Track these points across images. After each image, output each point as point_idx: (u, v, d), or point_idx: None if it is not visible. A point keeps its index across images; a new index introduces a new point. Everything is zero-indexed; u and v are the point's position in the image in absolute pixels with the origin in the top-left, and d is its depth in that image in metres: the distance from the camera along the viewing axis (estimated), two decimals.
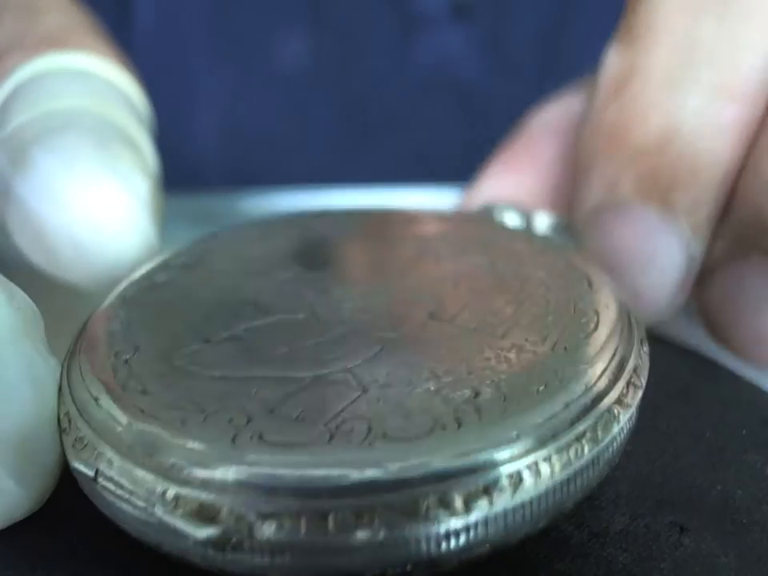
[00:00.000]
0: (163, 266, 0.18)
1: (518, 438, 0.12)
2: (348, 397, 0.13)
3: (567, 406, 0.13)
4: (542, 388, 0.13)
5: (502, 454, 0.12)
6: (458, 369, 0.14)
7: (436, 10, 0.38)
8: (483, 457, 0.12)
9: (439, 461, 0.12)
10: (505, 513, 0.12)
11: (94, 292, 0.18)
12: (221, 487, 0.12)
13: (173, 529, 0.12)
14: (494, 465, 0.12)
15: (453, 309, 0.16)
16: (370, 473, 0.12)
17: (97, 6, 0.23)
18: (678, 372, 0.16)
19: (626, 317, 0.15)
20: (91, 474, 0.13)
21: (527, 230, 0.19)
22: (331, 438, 0.12)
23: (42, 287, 0.16)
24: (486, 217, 0.21)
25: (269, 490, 0.12)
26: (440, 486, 0.12)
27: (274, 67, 0.39)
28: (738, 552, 0.14)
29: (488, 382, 0.13)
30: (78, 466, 0.13)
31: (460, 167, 0.40)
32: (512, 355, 0.14)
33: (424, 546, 0.12)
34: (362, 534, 0.11)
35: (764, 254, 0.17)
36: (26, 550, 0.14)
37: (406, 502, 0.12)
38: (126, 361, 0.14)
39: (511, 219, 0.21)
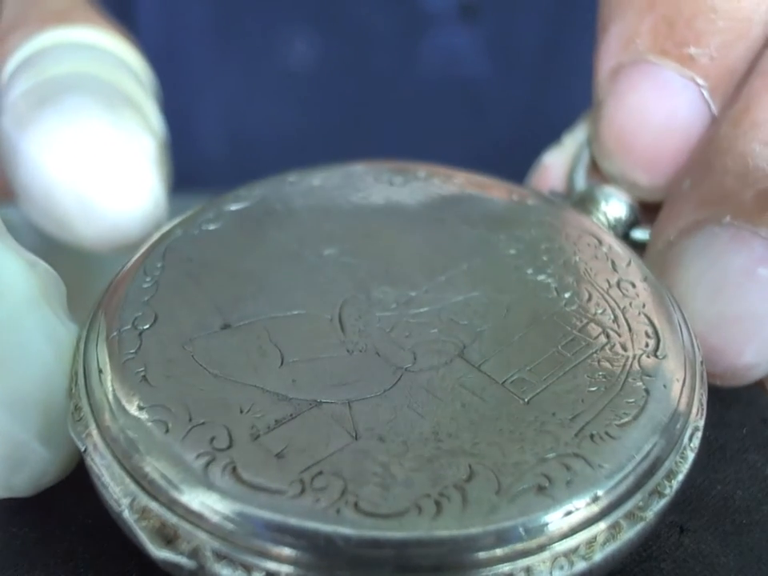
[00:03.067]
0: (217, 212, 0.17)
1: (495, 545, 0.11)
2: (336, 443, 0.12)
3: (567, 514, 0.12)
4: (546, 485, 0.12)
5: (464, 561, 0.11)
6: (462, 435, 0.12)
7: (443, 9, 0.38)
8: (441, 555, 0.11)
9: (396, 557, 0.11)
10: None
11: (100, 253, 0.18)
12: (184, 513, 0.12)
13: (137, 534, 0.12)
14: (447, 569, 0.11)
15: (487, 350, 0.14)
16: (325, 548, 0.11)
17: (100, 5, 0.23)
18: None
19: (686, 398, 0.14)
20: (81, 448, 0.13)
21: (612, 241, 0.17)
22: (303, 491, 0.12)
23: (65, 262, 0.16)
24: (576, 208, 0.19)
25: (228, 531, 0.11)
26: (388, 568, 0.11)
27: (280, 67, 0.39)
28: (738, 551, 0.15)
29: (489, 463, 0.12)
30: (72, 434, 0.13)
31: (466, 165, 0.40)
32: (530, 432, 0.13)
33: None
34: None
35: (740, 215, 0.16)
36: (27, 550, 0.14)
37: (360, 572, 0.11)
38: (141, 333, 0.14)
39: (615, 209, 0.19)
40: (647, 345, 0.14)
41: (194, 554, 0.11)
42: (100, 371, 0.13)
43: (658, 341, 0.14)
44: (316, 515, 0.11)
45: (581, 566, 0.12)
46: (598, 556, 0.12)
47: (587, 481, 0.12)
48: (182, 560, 0.12)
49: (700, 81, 0.17)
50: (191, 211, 0.17)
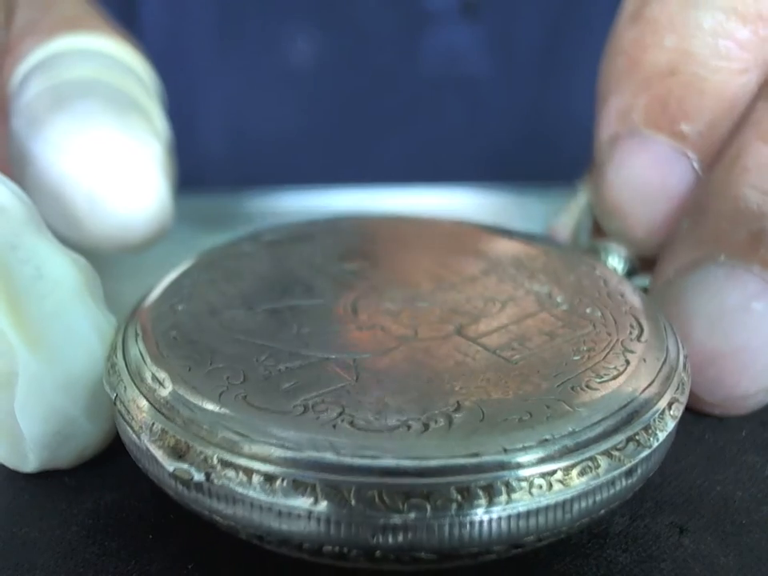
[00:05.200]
0: (254, 238, 0.19)
1: (473, 456, 0.12)
2: (339, 382, 0.14)
3: (545, 441, 0.13)
4: (526, 418, 0.13)
5: (446, 469, 0.12)
6: (453, 382, 0.14)
7: (444, 7, 0.38)
8: (426, 465, 0.12)
9: (385, 462, 0.12)
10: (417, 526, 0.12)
11: (105, 252, 0.19)
12: (196, 431, 0.13)
13: (153, 457, 0.13)
14: (430, 475, 0.12)
15: (484, 329, 0.16)
16: (319, 454, 0.12)
17: (102, 5, 0.24)
18: None
19: (666, 372, 0.15)
20: (112, 396, 0.15)
21: (607, 270, 0.18)
22: (304, 411, 0.13)
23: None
24: (576, 249, 0.21)
25: (233, 443, 0.13)
26: (373, 481, 0.12)
27: (281, 65, 0.39)
28: (737, 552, 0.14)
29: (475, 400, 0.13)
30: (107, 387, 0.15)
31: (467, 165, 0.40)
32: (514, 382, 0.14)
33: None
34: (303, 503, 0.12)
35: (734, 253, 0.17)
36: (27, 550, 0.14)
37: (349, 484, 0.12)
38: (175, 311, 0.16)
39: (614, 261, 0.20)
40: (631, 333, 0.15)
41: (202, 463, 0.13)
42: (137, 335, 0.15)
43: (642, 330, 0.15)
44: (314, 427, 0.13)
45: (558, 489, 0.13)
46: (575, 484, 0.13)
47: (565, 417, 0.13)
48: (191, 469, 0.13)
49: (690, 154, 0.19)
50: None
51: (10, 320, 0.15)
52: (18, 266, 0.15)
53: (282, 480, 0.12)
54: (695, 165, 0.19)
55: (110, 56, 0.21)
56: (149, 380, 0.14)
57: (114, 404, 0.14)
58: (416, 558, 0.12)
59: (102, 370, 0.15)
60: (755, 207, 0.17)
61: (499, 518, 0.12)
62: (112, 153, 0.18)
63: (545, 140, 0.40)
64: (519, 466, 0.12)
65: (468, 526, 0.12)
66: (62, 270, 0.15)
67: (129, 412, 0.14)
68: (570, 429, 0.13)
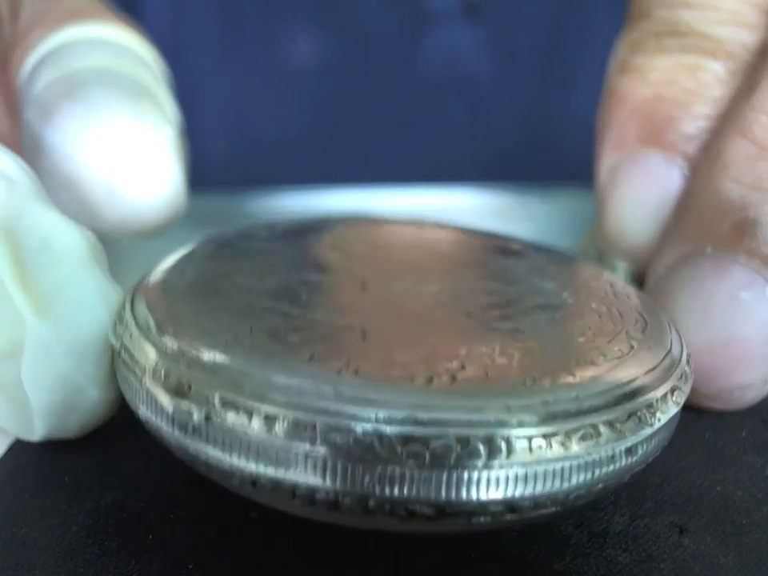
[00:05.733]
0: (270, 227, 0.19)
1: (476, 410, 0.12)
2: (347, 338, 0.14)
3: (546, 403, 0.13)
4: (530, 383, 0.13)
5: (447, 420, 0.12)
6: (458, 347, 0.14)
7: (445, 8, 0.38)
8: (427, 414, 0.12)
9: (386, 407, 0.12)
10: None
11: (120, 238, 0.19)
12: (199, 371, 0.13)
13: (154, 400, 0.13)
14: (431, 424, 0.12)
15: (492, 312, 0.16)
16: (322, 396, 0.12)
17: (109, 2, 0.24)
18: None
19: (669, 361, 0.15)
20: (117, 346, 0.15)
21: (613, 277, 0.19)
22: (311, 358, 0.13)
23: None
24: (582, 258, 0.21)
25: (235, 384, 0.13)
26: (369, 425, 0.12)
27: (281, 66, 0.39)
28: (737, 552, 0.14)
29: (480, 363, 0.13)
30: (111, 338, 0.15)
31: (468, 165, 0.40)
32: (518, 354, 0.14)
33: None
34: (301, 445, 0.12)
35: (720, 245, 0.17)
36: (27, 550, 0.14)
37: (349, 428, 0.12)
38: (184, 272, 0.16)
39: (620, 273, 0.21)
40: (636, 325, 0.15)
41: (203, 402, 0.13)
42: (147, 289, 0.15)
43: (646, 324, 0.16)
44: (317, 373, 0.13)
45: (557, 452, 0.13)
46: (576, 450, 0.13)
47: (569, 385, 0.13)
48: (192, 407, 0.13)
49: (680, 161, 0.20)
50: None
51: (18, 288, 0.15)
52: (25, 236, 0.15)
53: (283, 420, 0.12)
54: (685, 171, 0.20)
55: (119, 45, 0.21)
56: (155, 329, 0.14)
57: (118, 354, 0.15)
58: (410, 511, 0.12)
59: (108, 340, 0.15)
60: (738, 199, 0.18)
61: (497, 476, 0.12)
62: (128, 141, 0.19)
63: (546, 140, 0.40)
64: (521, 423, 0.12)
65: (465, 480, 0.12)
66: (69, 241, 0.16)
67: (133, 357, 0.14)
68: (574, 395, 0.13)
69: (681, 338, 0.16)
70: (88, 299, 0.15)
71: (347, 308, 0.16)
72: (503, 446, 0.12)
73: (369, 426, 0.12)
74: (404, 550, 0.14)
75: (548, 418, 0.13)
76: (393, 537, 0.14)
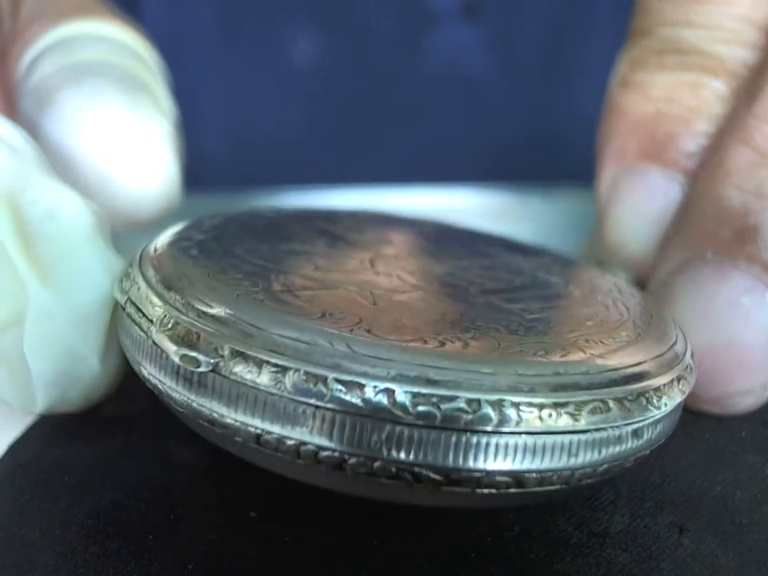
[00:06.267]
0: (278, 210, 0.19)
1: (488, 374, 0.12)
2: (358, 302, 0.14)
3: (557, 374, 0.13)
4: (541, 354, 0.13)
5: (459, 382, 0.12)
6: (471, 317, 0.14)
7: (446, 8, 0.38)
8: (439, 376, 0.12)
9: (399, 366, 0.12)
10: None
11: (118, 228, 0.19)
12: (209, 321, 0.13)
13: (159, 351, 0.13)
14: (443, 386, 0.12)
15: (500, 294, 0.16)
16: (334, 350, 0.12)
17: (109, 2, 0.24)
18: None
19: (672, 354, 0.15)
20: (122, 301, 0.14)
21: (616, 278, 0.19)
22: (322, 316, 0.13)
23: None
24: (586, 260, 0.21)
25: (246, 334, 0.13)
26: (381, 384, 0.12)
27: (283, 65, 0.39)
28: (737, 552, 0.14)
29: (492, 334, 0.14)
30: (117, 294, 0.15)
31: (469, 165, 0.40)
32: (527, 329, 0.14)
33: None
34: (311, 399, 0.12)
35: (721, 251, 0.18)
36: (27, 550, 0.14)
37: (350, 383, 0.12)
38: (191, 238, 0.16)
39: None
40: (642, 317, 0.16)
41: (212, 352, 0.13)
42: (154, 251, 0.15)
43: (651, 317, 0.16)
44: (330, 329, 0.13)
45: (567, 423, 0.12)
46: (585, 423, 0.13)
47: (580, 360, 0.13)
48: (199, 356, 0.13)
49: (680, 177, 0.20)
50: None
51: (22, 255, 0.15)
52: (29, 206, 0.15)
53: (294, 373, 0.12)
54: (685, 187, 0.20)
55: (117, 41, 0.21)
56: (163, 283, 0.14)
57: (123, 309, 0.14)
58: (416, 476, 0.12)
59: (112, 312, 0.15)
60: (739, 206, 0.18)
61: (506, 443, 0.12)
62: (123, 130, 0.19)
63: (547, 140, 0.40)
64: (532, 390, 0.12)
65: (474, 445, 0.12)
66: (73, 212, 0.16)
67: (139, 310, 0.14)
68: (585, 369, 0.13)
69: (683, 334, 0.16)
70: (92, 269, 0.15)
71: (357, 277, 0.16)
72: (513, 412, 0.12)
73: (380, 384, 0.12)
74: (404, 550, 0.14)
75: (558, 389, 0.12)
76: (394, 535, 0.14)
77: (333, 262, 0.16)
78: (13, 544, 0.14)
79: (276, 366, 0.12)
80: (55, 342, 0.15)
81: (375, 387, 0.12)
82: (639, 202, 0.21)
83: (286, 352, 0.12)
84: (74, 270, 0.15)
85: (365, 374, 0.12)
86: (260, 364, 0.12)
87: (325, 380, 0.12)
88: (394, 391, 0.12)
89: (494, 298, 0.16)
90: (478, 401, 0.12)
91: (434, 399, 0.12)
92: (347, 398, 0.12)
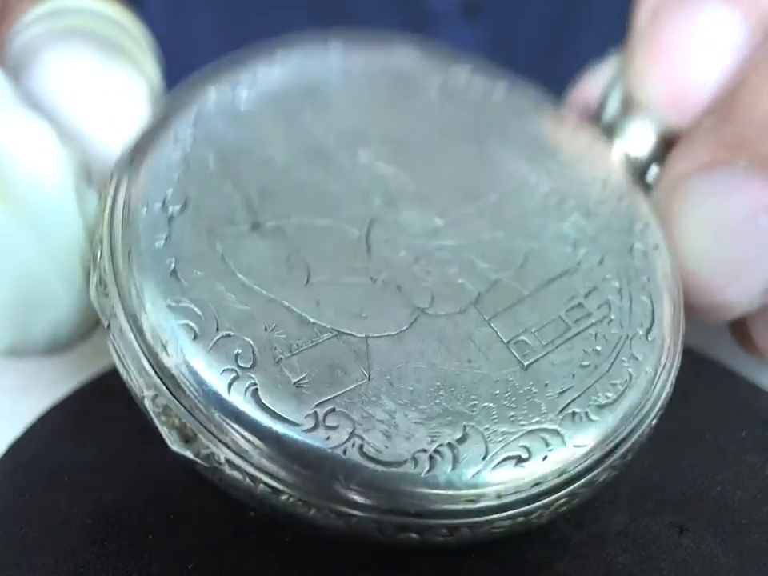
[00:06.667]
0: (251, 78, 0.17)
1: (470, 502, 0.13)
2: (351, 381, 0.13)
3: (536, 485, 0.13)
4: (525, 457, 0.13)
5: (443, 512, 0.13)
6: (462, 394, 0.14)
7: (446, 8, 0.38)
8: (425, 508, 0.13)
9: (394, 500, 0.13)
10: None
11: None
12: (204, 422, 0.13)
13: (157, 428, 0.13)
14: (428, 516, 0.13)
15: (499, 302, 0.15)
16: (327, 482, 0.13)
17: None
18: (678, 373, 0.16)
19: (662, 382, 0.15)
20: (105, 323, 0.14)
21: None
22: (315, 426, 0.13)
23: None
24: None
25: (242, 447, 0.13)
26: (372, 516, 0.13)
27: None
28: (737, 552, 0.15)
29: (482, 429, 0.13)
30: (96, 306, 0.14)
31: None
32: (523, 402, 0.14)
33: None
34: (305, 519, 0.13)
35: (757, 163, 0.16)
36: (27, 550, 0.14)
37: (349, 514, 0.13)
38: (171, 219, 0.14)
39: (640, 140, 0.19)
40: (642, 324, 0.15)
41: (209, 458, 0.13)
42: (129, 253, 0.14)
43: (653, 321, 0.15)
44: (324, 449, 0.13)
45: (531, 526, 0.14)
46: (547, 518, 0.14)
47: (560, 458, 0.13)
48: (198, 460, 0.13)
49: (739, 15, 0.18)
50: (224, 70, 0.17)
51: None
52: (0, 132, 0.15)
53: (289, 497, 0.13)
54: (744, 27, 0.18)
55: (102, 13, 0.21)
56: (149, 337, 0.13)
57: (108, 333, 0.14)
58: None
59: (85, 248, 0.15)
60: None
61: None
62: (99, 83, 0.19)
63: None
64: (509, 507, 0.13)
65: None
66: (49, 162, 0.15)
67: (122, 356, 0.13)
68: (562, 470, 0.13)
69: (682, 311, 0.16)
70: (66, 215, 0.15)
71: (352, 300, 0.14)
72: (489, 531, 0.13)
73: (368, 516, 0.13)
74: (404, 551, 0.14)
75: (532, 499, 0.13)
76: None
77: (326, 258, 0.15)
78: (13, 544, 0.14)
79: (272, 488, 0.13)
80: (17, 261, 0.15)
81: (362, 519, 0.13)
82: (684, 30, 0.18)
83: (280, 478, 0.13)
84: (41, 195, 0.15)
85: (354, 506, 0.13)
86: (256, 481, 0.13)
87: (318, 509, 0.13)
88: (381, 522, 0.13)
89: (493, 321, 0.15)
90: (458, 528, 0.13)
91: (418, 528, 0.13)
92: (338, 525, 0.13)
